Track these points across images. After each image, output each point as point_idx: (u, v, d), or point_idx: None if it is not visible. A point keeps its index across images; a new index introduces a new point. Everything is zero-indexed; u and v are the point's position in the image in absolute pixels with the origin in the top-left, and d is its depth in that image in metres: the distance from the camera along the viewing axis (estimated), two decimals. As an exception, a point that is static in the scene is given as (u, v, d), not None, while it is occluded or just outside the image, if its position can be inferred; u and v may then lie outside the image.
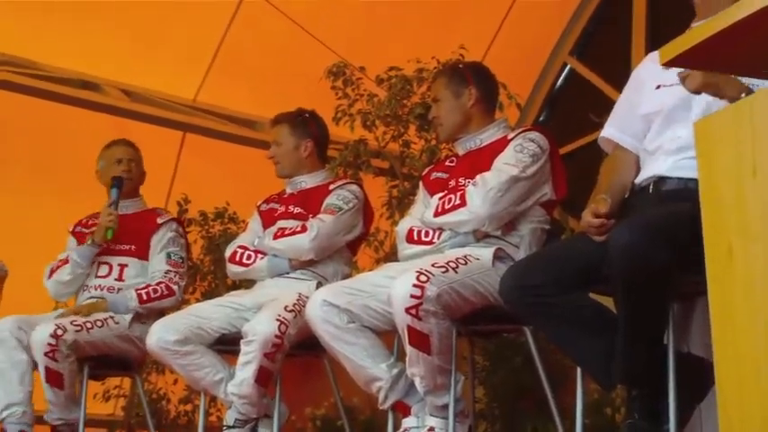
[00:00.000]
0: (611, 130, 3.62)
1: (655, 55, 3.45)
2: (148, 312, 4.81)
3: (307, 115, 4.80)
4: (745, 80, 3.05)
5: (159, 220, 5.03)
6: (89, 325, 4.65)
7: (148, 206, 5.16)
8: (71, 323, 4.58)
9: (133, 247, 4.97)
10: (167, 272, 4.91)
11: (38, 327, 4.55)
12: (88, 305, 4.81)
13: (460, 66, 4.43)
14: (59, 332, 4.51)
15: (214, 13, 7.85)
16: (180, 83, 8.08)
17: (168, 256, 4.96)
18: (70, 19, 7.37)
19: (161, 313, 4.78)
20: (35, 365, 4.60)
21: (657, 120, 3.41)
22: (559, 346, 3.39)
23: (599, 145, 3.72)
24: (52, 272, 4.96)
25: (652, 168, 3.39)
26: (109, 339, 4.73)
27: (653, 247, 2.90)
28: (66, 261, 4.92)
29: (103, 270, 4.94)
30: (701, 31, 2.33)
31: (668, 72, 3.17)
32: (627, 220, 3.09)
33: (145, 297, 4.81)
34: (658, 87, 3.43)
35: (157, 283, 4.86)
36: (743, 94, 2.89)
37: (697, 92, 3.06)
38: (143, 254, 4.97)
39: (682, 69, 2.93)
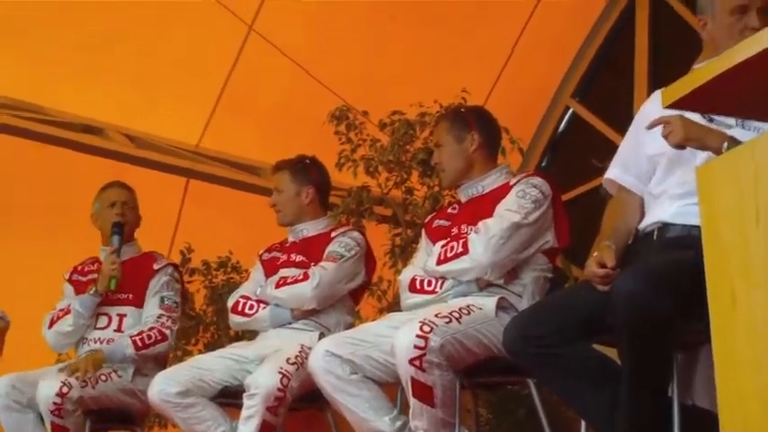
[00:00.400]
0: (616, 171, 3.60)
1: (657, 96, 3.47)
2: (143, 359, 4.78)
3: (307, 162, 4.79)
4: (749, 122, 3.05)
5: (156, 266, 5.00)
6: (94, 380, 4.62)
7: (143, 250, 5.12)
8: (76, 378, 4.56)
9: (131, 295, 4.93)
10: (160, 316, 4.86)
11: (43, 382, 4.52)
12: (88, 360, 4.70)
13: (462, 110, 4.41)
14: (65, 390, 4.48)
15: (217, 56, 7.88)
16: (183, 128, 8.08)
17: (162, 300, 4.92)
18: (75, 64, 7.39)
19: (158, 361, 4.78)
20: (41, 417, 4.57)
21: (662, 162, 3.39)
22: (563, 397, 3.36)
23: (603, 188, 3.70)
24: (52, 322, 4.92)
25: (656, 214, 3.38)
26: (112, 393, 4.70)
27: (656, 295, 2.88)
28: (67, 311, 4.88)
29: (102, 321, 4.90)
30: (702, 73, 2.33)
31: (675, 113, 3.10)
32: (630, 269, 3.06)
33: (140, 344, 4.76)
34: None
35: (150, 329, 4.81)
36: (725, 144, 2.92)
37: (680, 146, 3.09)
38: (141, 302, 4.94)
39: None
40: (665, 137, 3.04)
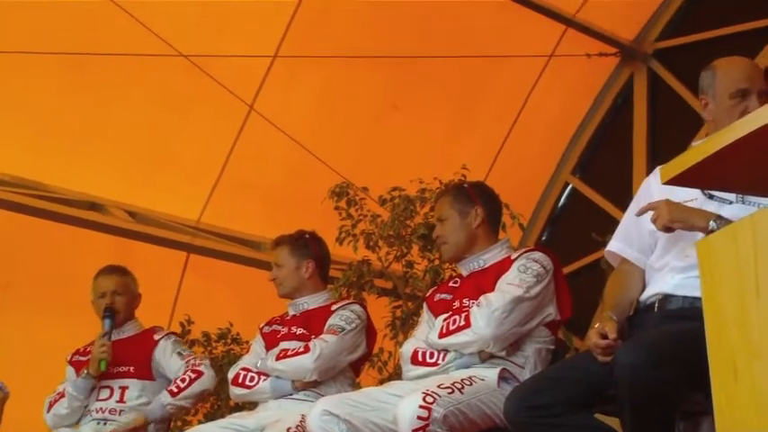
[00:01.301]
0: (618, 244, 3.62)
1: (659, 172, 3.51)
2: (190, 403, 4.81)
3: (307, 236, 4.81)
4: (750, 198, 3.10)
5: (156, 337, 5.00)
6: None
7: (145, 326, 5.12)
8: None
9: (132, 368, 4.92)
10: (187, 363, 4.86)
11: None
12: (130, 425, 4.73)
13: (465, 185, 4.41)
14: None
15: (218, 134, 7.94)
16: (184, 203, 8.12)
17: (180, 354, 4.92)
18: (76, 140, 7.45)
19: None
20: None
21: (663, 237, 3.40)
22: None
23: (603, 260, 3.73)
24: (51, 405, 4.93)
25: (658, 286, 3.40)
26: None
27: (658, 367, 2.90)
28: (62, 394, 4.90)
29: (104, 393, 4.89)
30: (699, 150, 2.36)
31: (678, 190, 3.18)
32: (632, 341, 3.08)
33: (176, 390, 4.76)
34: None
35: (183, 373, 4.81)
36: (711, 222, 3.01)
37: (667, 229, 3.13)
38: (143, 374, 4.93)
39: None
40: (653, 221, 3.11)
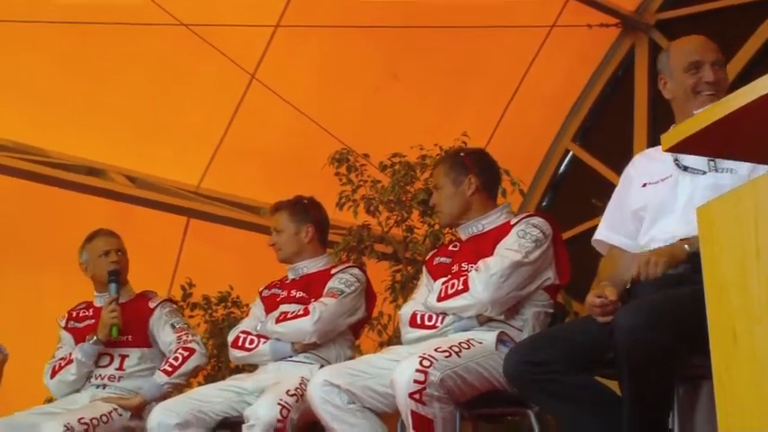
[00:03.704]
0: (605, 232, 3.69)
1: (642, 154, 3.73)
2: (185, 379, 4.83)
3: (305, 201, 4.82)
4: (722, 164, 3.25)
5: (151, 304, 5.03)
6: (95, 422, 4.59)
7: (136, 291, 5.14)
8: (78, 421, 4.53)
9: (130, 337, 4.95)
10: (178, 338, 4.89)
11: (46, 424, 4.50)
12: (132, 402, 4.76)
13: (461, 154, 4.40)
14: None
15: (220, 100, 7.93)
16: (184, 169, 8.12)
17: (172, 326, 4.94)
18: (77, 107, 7.44)
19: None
20: None
21: (646, 216, 3.50)
22: (562, 423, 3.37)
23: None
24: (54, 372, 4.93)
25: None
26: None
27: (657, 329, 2.92)
28: (69, 360, 4.90)
29: (104, 360, 4.92)
30: (701, 118, 2.37)
31: (654, 170, 3.46)
32: (631, 303, 3.10)
33: (170, 369, 4.78)
34: (644, 185, 3.55)
35: (175, 351, 4.84)
36: (686, 246, 3.18)
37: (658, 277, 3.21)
38: (141, 342, 4.96)
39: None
40: (646, 278, 3.19)
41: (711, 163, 3.35)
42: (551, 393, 3.24)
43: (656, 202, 3.47)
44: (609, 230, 3.67)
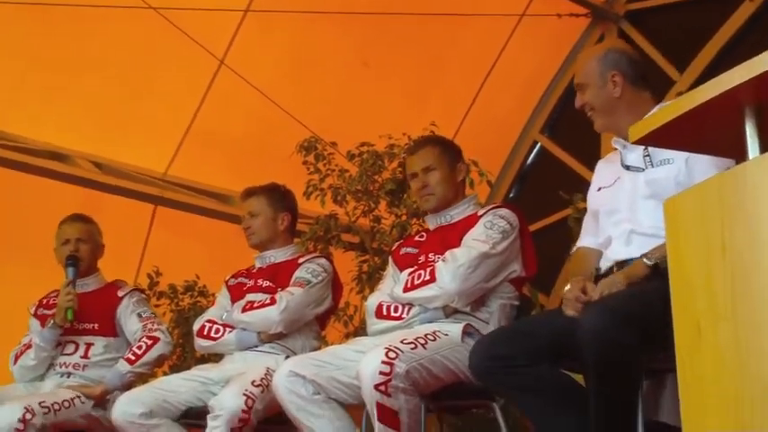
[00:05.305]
0: (584, 240, 3.72)
1: (604, 159, 3.81)
2: (148, 368, 4.83)
3: (282, 189, 4.81)
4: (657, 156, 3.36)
5: (120, 293, 5.01)
6: (56, 407, 4.57)
7: (107, 280, 5.11)
8: (39, 404, 4.50)
9: (97, 325, 4.93)
10: (143, 327, 4.88)
11: (5, 408, 4.47)
12: (95, 390, 4.73)
13: (449, 140, 4.42)
14: (28, 416, 4.42)
15: (187, 87, 7.87)
16: (152, 156, 8.06)
17: (139, 315, 4.93)
18: (42, 91, 7.36)
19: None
20: None
21: (602, 216, 3.58)
22: (529, 417, 3.39)
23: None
24: (17, 357, 4.92)
25: (610, 256, 3.49)
26: (74, 418, 4.66)
27: (622, 330, 2.94)
28: (29, 346, 4.89)
29: (69, 348, 4.90)
30: (668, 111, 2.38)
31: (607, 174, 3.58)
32: (595, 305, 3.11)
33: (133, 358, 4.77)
34: (599, 189, 3.64)
35: (139, 340, 4.82)
36: (645, 260, 3.26)
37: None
38: (108, 330, 4.94)
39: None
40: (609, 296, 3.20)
41: (647, 158, 3.41)
42: (517, 387, 3.25)
43: (606, 204, 3.56)
44: (583, 235, 3.73)
